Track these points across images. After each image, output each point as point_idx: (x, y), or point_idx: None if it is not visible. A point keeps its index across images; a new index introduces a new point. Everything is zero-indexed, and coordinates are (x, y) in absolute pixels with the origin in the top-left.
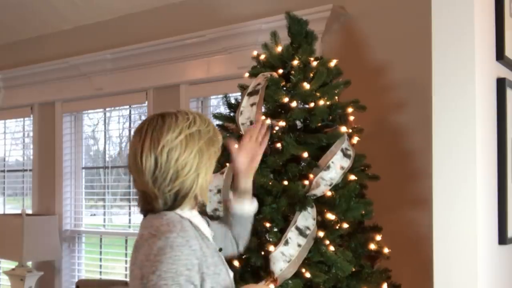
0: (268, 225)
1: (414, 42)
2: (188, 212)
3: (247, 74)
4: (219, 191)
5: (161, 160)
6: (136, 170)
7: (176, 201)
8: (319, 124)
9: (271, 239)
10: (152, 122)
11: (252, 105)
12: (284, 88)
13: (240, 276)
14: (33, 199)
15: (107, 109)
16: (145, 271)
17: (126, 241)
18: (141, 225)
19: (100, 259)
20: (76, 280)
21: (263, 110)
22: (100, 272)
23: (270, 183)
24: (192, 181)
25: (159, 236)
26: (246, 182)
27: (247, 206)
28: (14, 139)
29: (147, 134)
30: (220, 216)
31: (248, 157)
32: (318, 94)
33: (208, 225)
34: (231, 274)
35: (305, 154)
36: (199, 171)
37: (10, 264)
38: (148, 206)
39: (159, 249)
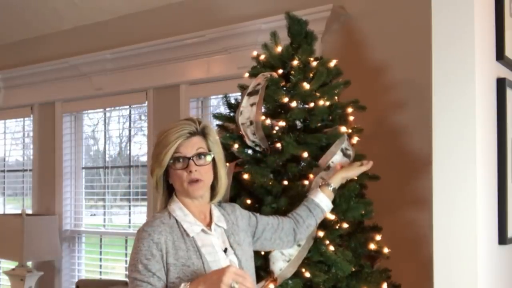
0: None
1: (414, 42)
2: (179, 211)
3: (247, 74)
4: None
5: None
6: None
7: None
8: (319, 124)
9: None
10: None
11: (252, 105)
12: (284, 88)
13: None
14: (33, 199)
15: (107, 109)
16: None
17: (126, 241)
18: None
19: (100, 259)
20: (76, 280)
21: (263, 110)
22: (100, 272)
23: (270, 183)
24: (154, 177)
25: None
26: (331, 181)
27: (325, 199)
28: (14, 139)
29: None
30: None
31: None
32: (318, 94)
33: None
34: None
35: (305, 154)
36: (151, 169)
37: (10, 264)
38: None
39: (134, 241)
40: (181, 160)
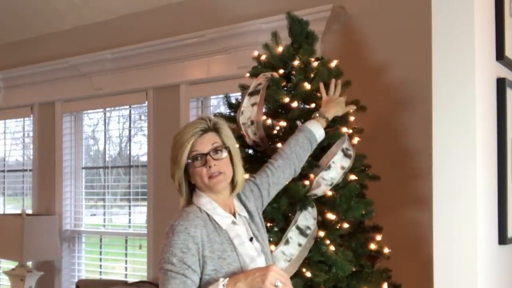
0: (269, 224)
1: (414, 42)
2: (209, 205)
3: (247, 74)
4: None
5: None
6: None
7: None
8: None
9: (271, 239)
10: None
11: (253, 105)
12: (285, 88)
13: None
14: (33, 199)
15: (107, 109)
16: (159, 252)
17: (126, 241)
18: None
19: (100, 259)
20: (76, 280)
21: (264, 110)
22: (100, 272)
23: None
24: (176, 180)
25: (169, 224)
26: (324, 112)
27: (316, 127)
28: (14, 139)
29: None
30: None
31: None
32: (318, 94)
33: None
34: (260, 260)
35: None
36: (172, 172)
37: (10, 264)
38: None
39: (166, 234)
40: (198, 158)
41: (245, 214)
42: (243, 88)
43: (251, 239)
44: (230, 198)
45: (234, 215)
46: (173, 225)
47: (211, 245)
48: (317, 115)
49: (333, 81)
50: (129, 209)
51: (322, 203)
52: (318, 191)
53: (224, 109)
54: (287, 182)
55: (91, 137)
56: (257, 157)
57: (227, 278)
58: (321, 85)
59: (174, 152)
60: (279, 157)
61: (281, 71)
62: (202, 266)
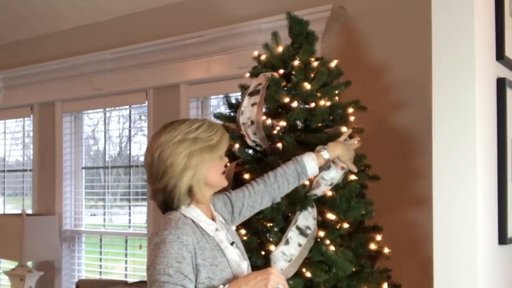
0: (268, 224)
1: (414, 42)
2: (193, 211)
3: (248, 74)
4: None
5: (154, 158)
6: (145, 167)
7: (169, 201)
8: (320, 124)
9: (271, 239)
10: (163, 127)
11: (253, 105)
12: (285, 88)
13: None
14: (33, 199)
15: (107, 109)
16: (147, 264)
17: (126, 241)
18: None
19: (100, 259)
20: (76, 280)
21: (264, 110)
22: (100, 272)
23: None
24: (176, 180)
25: (157, 233)
26: (329, 149)
27: (312, 163)
28: (14, 139)
29: (153, 137)
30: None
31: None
32: (318, 94)
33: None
34: (244, 265)
35: None
36: (184, 171)
37: (10, 264)
38: (159, 204)
39: (155, 245)
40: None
41: (221, 219)
42: (243, 88)
43: (232, 243)
44: (209, 204)
45: (214, 220)
46: (163, 235)
47: (202, 252)
48: (323, 149)
49: (356, 138)
50: (129, 209)
51: (322, 203)
52: (318, 191)
53: (224, 109)
54: (263, 208)
55: (91, 137)
56: (257, 157)
57: (227, 285)
58: (346, 132)
59: (215, 139)
60: (261, 182)
61: (281, 71)
62: (196, 274)
